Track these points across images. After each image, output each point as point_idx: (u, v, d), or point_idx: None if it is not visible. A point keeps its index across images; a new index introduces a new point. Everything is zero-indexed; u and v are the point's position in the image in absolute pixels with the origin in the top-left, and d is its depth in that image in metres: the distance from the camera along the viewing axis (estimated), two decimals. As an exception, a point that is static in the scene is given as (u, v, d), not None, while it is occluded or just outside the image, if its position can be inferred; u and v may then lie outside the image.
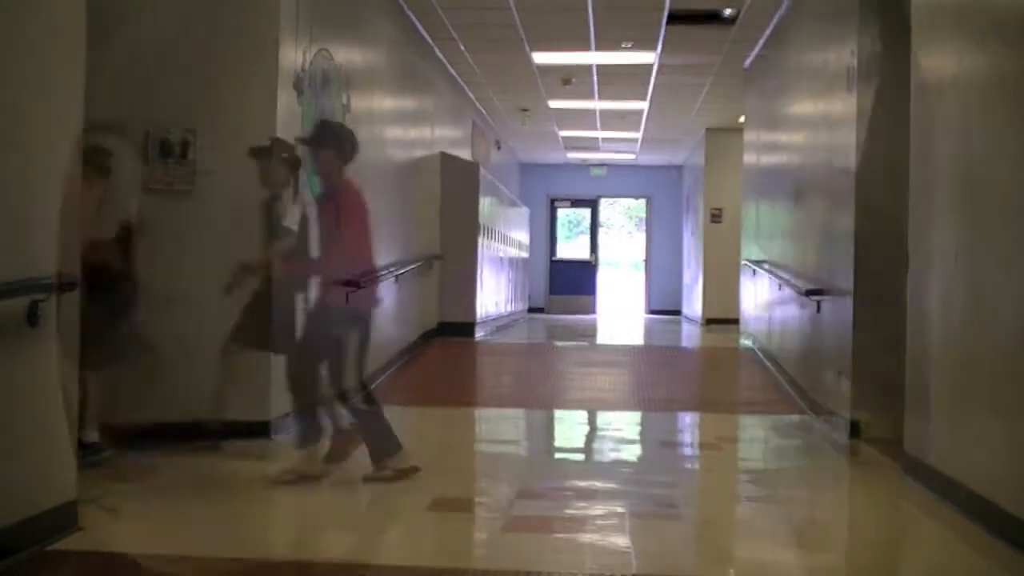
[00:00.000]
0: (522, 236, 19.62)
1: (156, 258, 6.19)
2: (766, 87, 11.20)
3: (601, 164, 22.89)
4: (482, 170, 14.09)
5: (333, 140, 5.45)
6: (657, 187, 23.36)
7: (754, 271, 11.50)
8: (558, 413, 8.54)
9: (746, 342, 12.44)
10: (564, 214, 24.72)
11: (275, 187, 5.93)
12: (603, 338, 16.86)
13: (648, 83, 13.77)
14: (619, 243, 32.02)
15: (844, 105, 7.21)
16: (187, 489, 5.27)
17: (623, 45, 11.67)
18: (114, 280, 5.64)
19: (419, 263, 11.16)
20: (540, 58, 12.42)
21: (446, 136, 13.24)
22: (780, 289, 9.53)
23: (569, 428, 8.25)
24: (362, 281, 5.35)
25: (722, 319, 16.55)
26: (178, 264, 6.25)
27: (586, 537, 4.55)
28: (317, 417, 5.51)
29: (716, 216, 18.20)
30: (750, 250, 12.22)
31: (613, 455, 6.95)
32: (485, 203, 13.94)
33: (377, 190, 9.27)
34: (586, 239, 24.12)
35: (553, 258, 23.23)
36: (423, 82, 11.63)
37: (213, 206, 6.31)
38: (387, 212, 9.78)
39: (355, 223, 5.39)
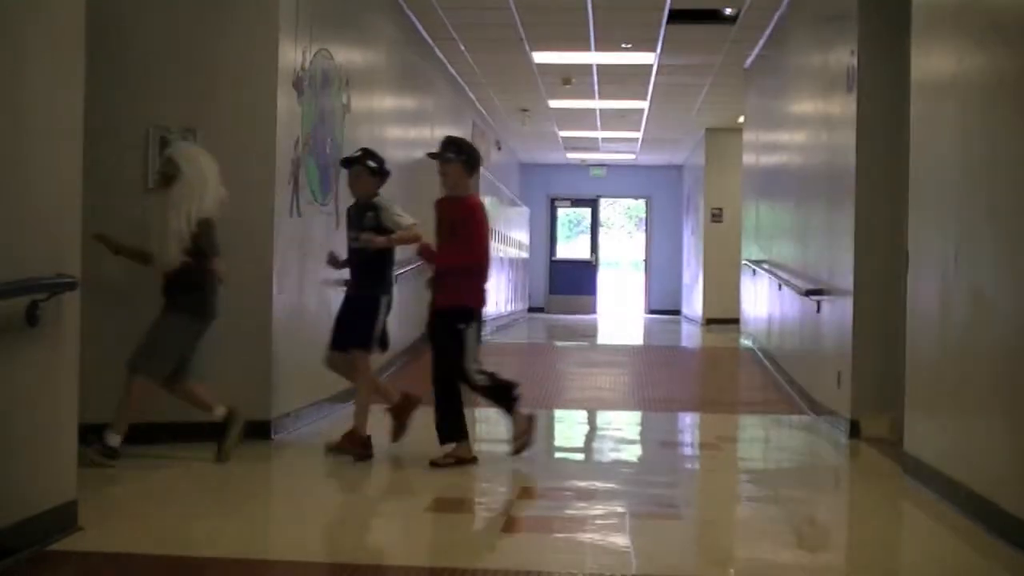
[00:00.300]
0: (522, 236, 19.62)
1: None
2: (766, 87, 11.20)
3: (601, 164, 22.90)
4: (482, 170, 14.08)
5: (463, 154, 6.16)
6: (657, 187, 23.36)
7: (754, 271, 11.51)
8: (558, 413, 8.54)
9: (746, 342, 12.45)
10: (564, 214, 24.74)
11: (362, 195, 6.26)
12: (603, 338, 16.87)
13: (648, 83, 13.77)
14: (619, 243, 32.05)
15: (844, 105, 7.21)
16: (188, 489, 5.27)
17: (623, 45, 11.68)
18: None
19: (419, 263, 11.14)
20: (540, 58, 12.42)
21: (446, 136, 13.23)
22: (780, 289, 9.53)
23: (569, 428, 8.25)
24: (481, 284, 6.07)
25: (722, 319, 16.56)
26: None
27: (586, 537, 4.55)
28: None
29: (716, 216, 18.21)
30: (750, 250, 12.23)
31: (613, 455, 6.95)
32: (485, 203, 13.92)
33: (377, 190, 9.28)
34: (586, 239, 24.13)
35: (553, 258, 23.24)
36: (423, 82, 11.62)
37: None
38: (387, 212, 9.77)
39: (482, 227, 6.09)
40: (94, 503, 4.50)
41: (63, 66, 4.16)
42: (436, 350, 5.93)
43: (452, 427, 5.87)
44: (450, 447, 5.87)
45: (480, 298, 6.03)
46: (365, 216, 6.16)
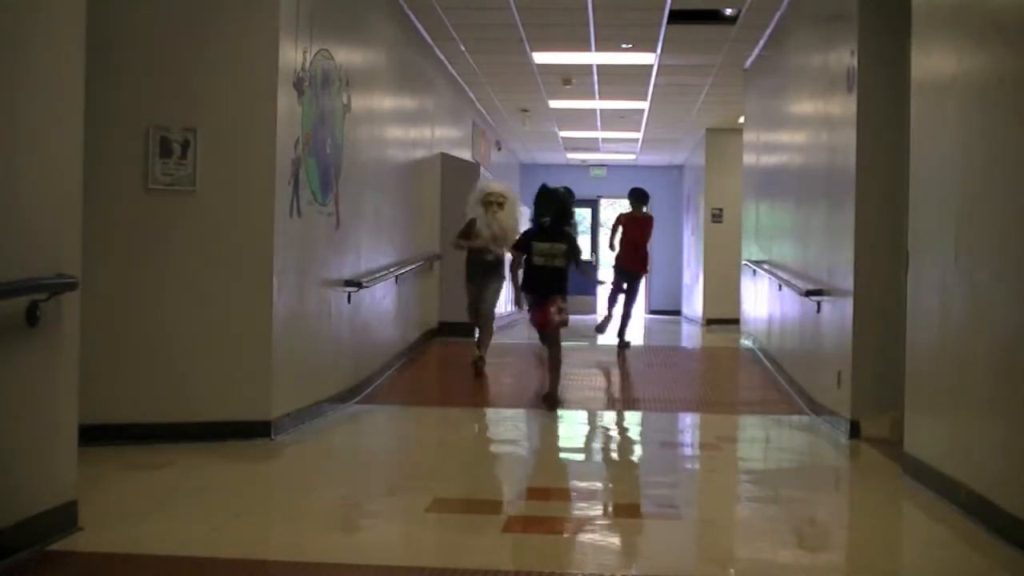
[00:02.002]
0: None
1: (160, 259, 6.21)
2: (766, 87, 11.20)
3: (601, 165, 22.89)
4: (482, 170, 14.08)
5: (646, 200, 12.81)
6: (657, 187, 23.31)
7: (754, 271, 11.51)
8: (558, 413, 8.53)
9: (746, 342, 12.45)
10: (564, 214, 24.70)
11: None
12: (603, 338, 16.84)
13: (648, 83, 13.77)
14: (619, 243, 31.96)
15: (844, 105, 7.21)
16: (188, 489, 5.27)
17: (623, 45, 11.67)
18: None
19: (419, 263, 11.16)
20: (540, 58, 12.42)
21: (446, 136, 13.24)
22: (780, 289, 9.53)
23: (569, 428, 8.24)
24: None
25: (722, 319, 16.55)
26: (184, 264, 6.25)
27: (586, 537, 4.55)
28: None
29: (716, 216, 18.20)
30: (750, 250, 12.23)
31: (613, 455, 6.95)
32: (485, 203, 13.90)
33: (377, 190, 9.28)
34: (586, 239, 24.11)
35: (553, 258, 23.20)
36: (423, 82, 11.63)
37: (216, 205, 6.30)
38: (387, 212, 9.78)
39: (649, 239, 12.59)
40: (94, 503, 4.50)
41: (63, 66, 4.16)
42: (628, 291, 12.39)
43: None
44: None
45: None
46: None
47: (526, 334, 16.32)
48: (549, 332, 8.38)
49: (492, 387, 10.18)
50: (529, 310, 8.46)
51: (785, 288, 9.17)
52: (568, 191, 10.00)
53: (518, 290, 8.44)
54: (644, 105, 15.50)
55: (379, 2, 9.35)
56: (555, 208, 8.43)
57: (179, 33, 6.28)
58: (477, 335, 10.23)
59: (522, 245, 8.43)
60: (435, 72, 12.40)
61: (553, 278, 8.21)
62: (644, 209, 12.88)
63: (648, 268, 12.81)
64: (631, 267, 12.41)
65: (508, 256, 9.32)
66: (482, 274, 9.94)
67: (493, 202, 9.83)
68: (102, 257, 5.87)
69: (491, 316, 10.04)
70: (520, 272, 8.36)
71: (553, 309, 8.13)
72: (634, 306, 12.30)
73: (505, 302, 16.88)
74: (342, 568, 4.02)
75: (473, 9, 10.36)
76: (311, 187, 7.12)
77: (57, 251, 4.13)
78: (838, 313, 7.27)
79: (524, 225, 9.34)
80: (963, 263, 4.97)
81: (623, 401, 9.34)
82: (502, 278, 10.05)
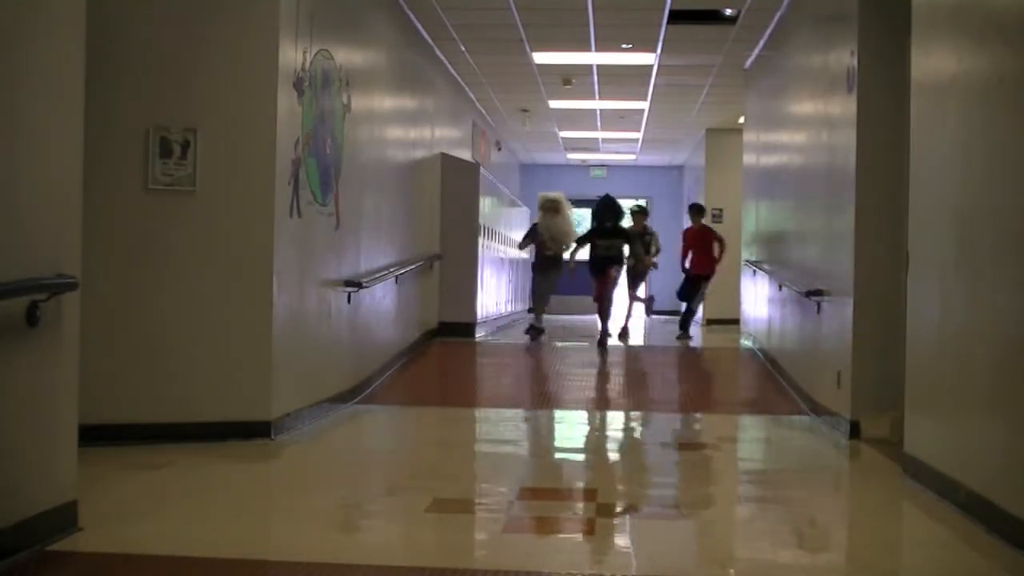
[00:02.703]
0: (522, 236, 19.56)
1: (160, 259, 6.21)
2: (766, 87, 11.20)
3: (601, 165, 22.89)
4: (482, 170, 14.08)
5: (701, 211, 14.59)
6: (657, 187, 23.35)
7: (754, 271, 11.51)
8: (558, 413, 8.54)
9: (746, 342, 12.45)
10: (564, 214, 24.71)
11: (639, 228, 14.22)
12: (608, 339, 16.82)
13: (648, 83, 13.78)
14: (619, 243, 31.92)
15: (844, 105, 7.21)
16: (188, 489, 5.27)
17: (623, 45, 11.68)
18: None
19: (419, 263, 11.16)
20: (540, 58, 12.42)
21: (446, 136, 13.24)
22: (780, 289, 9.53)
23: (569, 428, 8.25)
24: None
25: (722, 319, 16.55)
26: (184, 264, 6.26)
27: (586, 537, 4.55)
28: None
29: (716, 216, 18.19)
30: (750, 250, 12.23)
31: (613, 455, 6.95)
32: (485, 203, 13.93)
33: (377, 190, 9.28)
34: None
35: (553, 258, 23.19)
36: (423, 82, 11.63)
37: (216, 205, 6.30)
38: (387, 212, 9.78)
39: (714, 245, 14.19)
40: (94, 503, 4.50)
41: (63, 66, 4.16)
42: (695, 290, 14.35)
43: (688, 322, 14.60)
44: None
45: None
46: (643, 239, 14.18)
47: (526, 334, 16.38)
48: (605, 292, 12.75)
49: (491, 387, 10.19)
50: (595, 280, 12.85)
51: (785, 288, 9.18)
52: (642, 208, 14.90)
53: (575, 265, 13.04)
54: (644, 105, 15.50)
55: (379, 2, 9.36)
56: (614, 217, 12.82)
57: (179, 33, 6.28)
58: (535, 310, 14.07)
59: (584, 240, 12.96)
60: (435, 72, 12.40)
61: (612, 259, 12.74)
62: (702, 220, 14.67)
63: (712, 271, 14.37)
64: (697, 270, 14.35)
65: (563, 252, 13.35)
66: (546, 265, 13.58)
67: (550, 208, 13.46)
68: (102, 257, 5.88)
69: (548, 297, 13.81)
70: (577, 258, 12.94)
71: (612, 272, 12.82)
72: (697, 303, 14.84)
73: (506, 302, 16.95)
74: (342, 568, 4.02)
75: (473, 9, 10.36)
76: (311, 187, 7.12)
77: (57, 251, 4.13)
78: (838, 313, 7.27)
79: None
80: (963, 263, 4.97)
81: (623, 401, 9.33)
82: (560, 270, 13.46)
